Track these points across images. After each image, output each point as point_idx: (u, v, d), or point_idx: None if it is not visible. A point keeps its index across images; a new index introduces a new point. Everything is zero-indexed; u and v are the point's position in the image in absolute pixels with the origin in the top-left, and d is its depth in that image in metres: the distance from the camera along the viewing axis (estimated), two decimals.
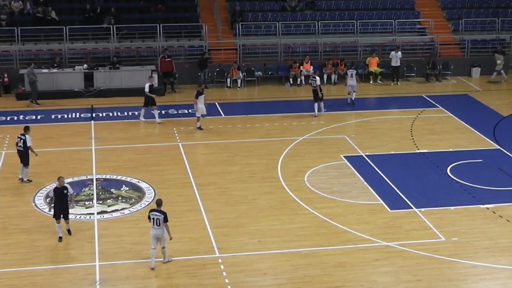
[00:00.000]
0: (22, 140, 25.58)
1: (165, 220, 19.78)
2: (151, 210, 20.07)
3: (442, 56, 41.94)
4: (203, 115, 31.72)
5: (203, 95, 31.49)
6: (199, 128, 31.39)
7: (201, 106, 31.40)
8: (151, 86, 32.46)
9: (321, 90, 33.60)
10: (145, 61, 39.00)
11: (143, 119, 32.46)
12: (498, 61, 39.92)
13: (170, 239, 20.02)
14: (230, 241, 21.51)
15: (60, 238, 21.30)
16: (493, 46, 42.71)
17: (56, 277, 19.48)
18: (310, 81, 34.57)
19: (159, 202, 20.22)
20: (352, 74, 35.81)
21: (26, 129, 25.98)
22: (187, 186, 25.59)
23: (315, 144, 29.73)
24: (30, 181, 25.73)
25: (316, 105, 33.58)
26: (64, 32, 39.17)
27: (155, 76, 33.31)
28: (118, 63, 37.57)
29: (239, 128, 31.82)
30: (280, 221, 22.96)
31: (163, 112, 34.23)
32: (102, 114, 33.80)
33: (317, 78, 33.71)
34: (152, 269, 19.68)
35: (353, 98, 35.68)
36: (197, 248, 21.05)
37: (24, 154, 25.67)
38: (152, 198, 24.43)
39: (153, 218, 19.79)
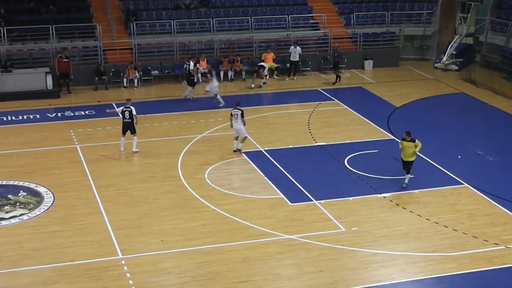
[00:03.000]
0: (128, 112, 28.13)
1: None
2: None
3: (332, 49, 42.69)
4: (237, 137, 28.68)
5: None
6: (238, 150, 28.54)
7: (239, 127, 28.30)
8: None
9: (192, 76, 35.87)
10: (38, 63, 38.18)
11: None
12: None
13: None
14: (133, 242, 21.40)
15: None
16: (385, 39, 43.87)
17: None
18: (184, 66, 36.54)
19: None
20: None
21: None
22: (86, 188, 25.29)
23: (214, 141, 29.85)
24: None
25: (189, 89, 35.70)
26: None
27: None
28: (10, 66, 36.65)
29: (137, 128, 31.44)
30: (182, 219, 22.99)
31: (59, 114, 33.68)
32: None
33: (191, 63, 35.67)
34: None
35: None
36: (99, 251, 20.84)
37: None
38: (51, 203, 24.03)
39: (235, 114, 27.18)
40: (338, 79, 39.69)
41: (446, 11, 45.44)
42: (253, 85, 38.14)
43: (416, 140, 24.86)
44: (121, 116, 28.58)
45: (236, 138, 28.50)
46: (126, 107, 28.36)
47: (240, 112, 28.10)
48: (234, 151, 28.49)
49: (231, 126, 28.39)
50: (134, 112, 28.27)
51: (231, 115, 28.23)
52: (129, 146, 28.75)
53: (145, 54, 40.35)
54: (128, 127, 28.46)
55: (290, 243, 21.45)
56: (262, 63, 38.95)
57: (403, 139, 25.02)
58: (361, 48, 43.24)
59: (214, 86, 34.44)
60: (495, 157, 28.71)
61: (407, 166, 25.29)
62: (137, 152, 28.49)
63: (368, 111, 34.20)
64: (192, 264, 20.22)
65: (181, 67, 39.41)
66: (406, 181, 25.34)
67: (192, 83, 36.12)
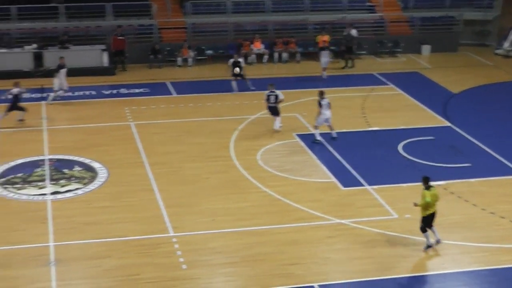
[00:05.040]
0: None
1: None
2: None
3: (392, 33, 42.26)
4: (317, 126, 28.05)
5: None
6: (316, 140, 27.80)
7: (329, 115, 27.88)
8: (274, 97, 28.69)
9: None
10: (94, 40, 38.51)
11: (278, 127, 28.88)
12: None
13: None
14: (183, 220, 21.49)
15: None
16: (443, 23, 43.12)
17: (10, 258, 19.28)
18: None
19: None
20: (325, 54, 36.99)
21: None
22: (139, 165, 25.45)
23: (267, 123, 29.65)
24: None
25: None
26: (12, 11, 38.56)
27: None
28: (68, 42, 37.05)
29: (191, 107, 31.71)
30: (233, 199, 23.00)
31: (114, 91, 33.97)
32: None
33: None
34: None
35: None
36: (150, 228, 20.99)
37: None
38: (105, 178, 24.27)
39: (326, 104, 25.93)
40: (348, 64, 38.65)
41: None
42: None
43: (426, 191, 19.65)
44: (265, 98, 28.68)
45: (316, 127, 27.91)
46: (271, 92, 28.45)
47: (328, 100, 27.78)
48: (317, 140, 27.74)
49: (319, 114, 27.65)
50: (281, 97, 28.51)
51: (320, 105, 27.58)
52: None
53: (200, 34, 40.37)
54: (272, 110, 28.67)
55: (340, 228, 21.28)
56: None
57: None
58: (418, 32, 42.59)
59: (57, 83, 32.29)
60: None
61: (422, 221, 19.95)
62: (279, 130, 28.62)
63: (424, 96, 33.66)
64: (242, 244, 20.22)
65: (235, 47, 39.37)
66: (428, 241, 20.07)
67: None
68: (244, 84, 33.89)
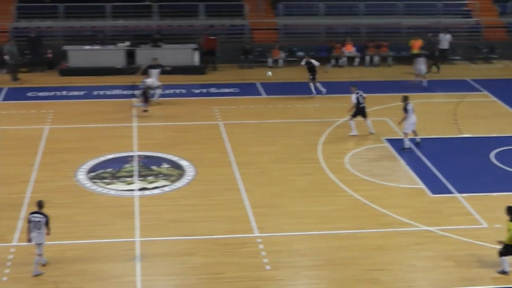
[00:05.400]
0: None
1: (47, 223, 18.31)
2: (32, 213, 18.35)
3: (487, 39, 41.33)
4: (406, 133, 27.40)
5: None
6: (405, 148, 27.09)
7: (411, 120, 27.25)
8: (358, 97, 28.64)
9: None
10: (186, 39, 38.99)
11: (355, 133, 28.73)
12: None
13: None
14: (269, 221, 21.46)
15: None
16: None
17: (97, 251, 19.63)
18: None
19: (40, 204, 18.49)
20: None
21: None
22: (226, 165, 25.58)
23: (356, 126, 29.36)
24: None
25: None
26: (107, 9, 39.42)
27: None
28: (160, 40, 37.63)
29: (280, 108, 31.72)
30: (319, 202, 22.86)
31: (204, 90, 34.31)
32: None
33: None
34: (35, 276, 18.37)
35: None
36: (236, 227, 21.05)
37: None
38: (192, 176, 24.48)
39: (34, 221, 18.18)
40: (431, 70, 37.44)
41: None
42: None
43: (511, 222, 18.39)
44: (355, 101, 28.33)
45: (406, 134, 27.22)
46: (357, 93, 28.37)
47: (412, 105, 27.33)
48: (406, 148, 27.04)
49: (405, 119, 27.04)
50: (364, 95, 28.62)
51: (406, 110, 27.05)
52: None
53: (291, 35, 40.36)
54: (363, 112, 28.55)
55: (427, 235, 20.88)
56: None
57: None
58: None
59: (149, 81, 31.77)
60: None
61: (504, 247, 18.75)
62: (374, 133, 28.64)
63: None
64: (326, 247, 20.06)
65: (326, 49, 39.22)
66: (504, 267, 18.84)
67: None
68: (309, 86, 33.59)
